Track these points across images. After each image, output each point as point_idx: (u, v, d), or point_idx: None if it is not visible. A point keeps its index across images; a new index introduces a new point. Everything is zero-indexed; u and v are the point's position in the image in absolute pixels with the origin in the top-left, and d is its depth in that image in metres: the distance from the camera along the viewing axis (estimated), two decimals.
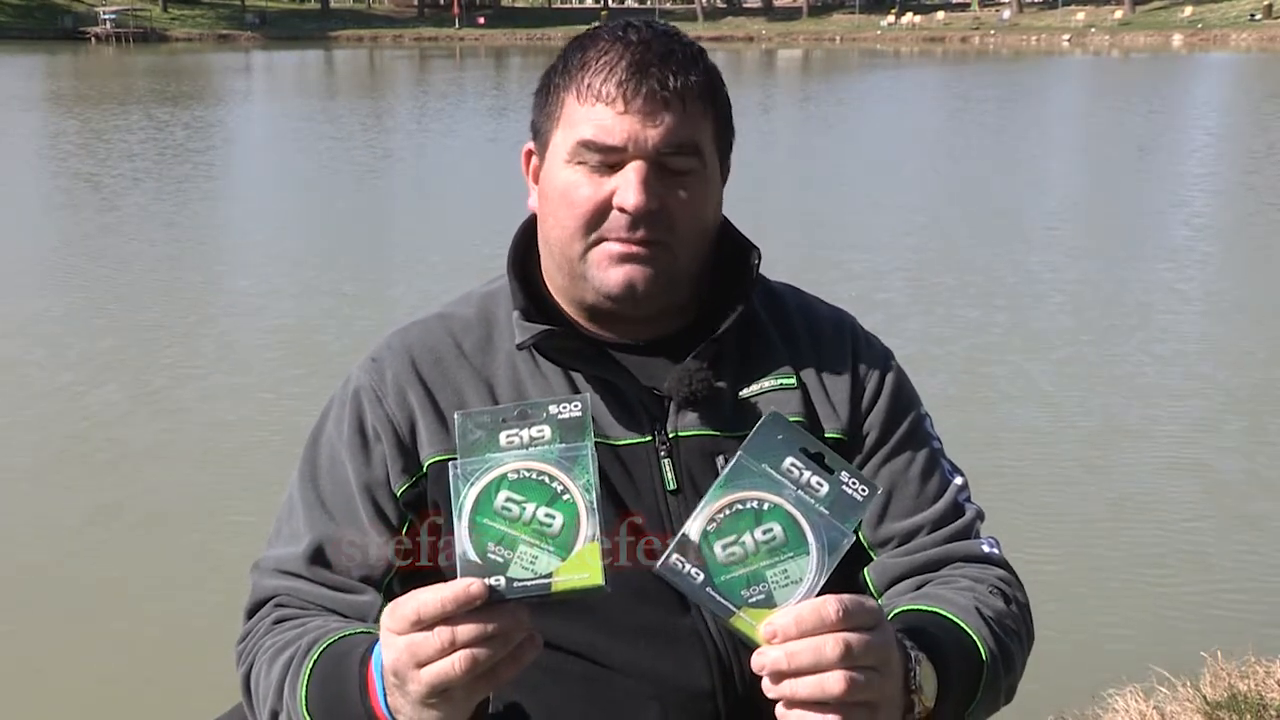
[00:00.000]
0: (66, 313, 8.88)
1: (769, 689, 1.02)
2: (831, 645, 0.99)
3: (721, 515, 1.02)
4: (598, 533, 1.00)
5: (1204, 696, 3.30)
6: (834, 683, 0.99)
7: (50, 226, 12.66)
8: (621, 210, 1.29)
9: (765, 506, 1.02)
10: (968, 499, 1.45)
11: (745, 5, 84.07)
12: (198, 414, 6.74)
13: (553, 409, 1.04)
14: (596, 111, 1.29)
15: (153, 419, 6.66)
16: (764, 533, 1.02)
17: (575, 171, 1.32)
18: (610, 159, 1.30)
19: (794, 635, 1.00)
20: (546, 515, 1.01)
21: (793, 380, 1.41)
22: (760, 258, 1.43)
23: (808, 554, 1.02)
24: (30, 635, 4.44)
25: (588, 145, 1.30)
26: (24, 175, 16.59)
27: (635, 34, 1.33)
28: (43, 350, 7.85)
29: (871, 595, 1.39)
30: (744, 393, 1.39)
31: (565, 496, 1.01)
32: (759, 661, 1.01)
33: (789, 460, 1.04)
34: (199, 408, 6.85)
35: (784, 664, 1.00)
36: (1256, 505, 5.52)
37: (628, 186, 1.29)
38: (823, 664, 0.99)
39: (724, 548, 1.01)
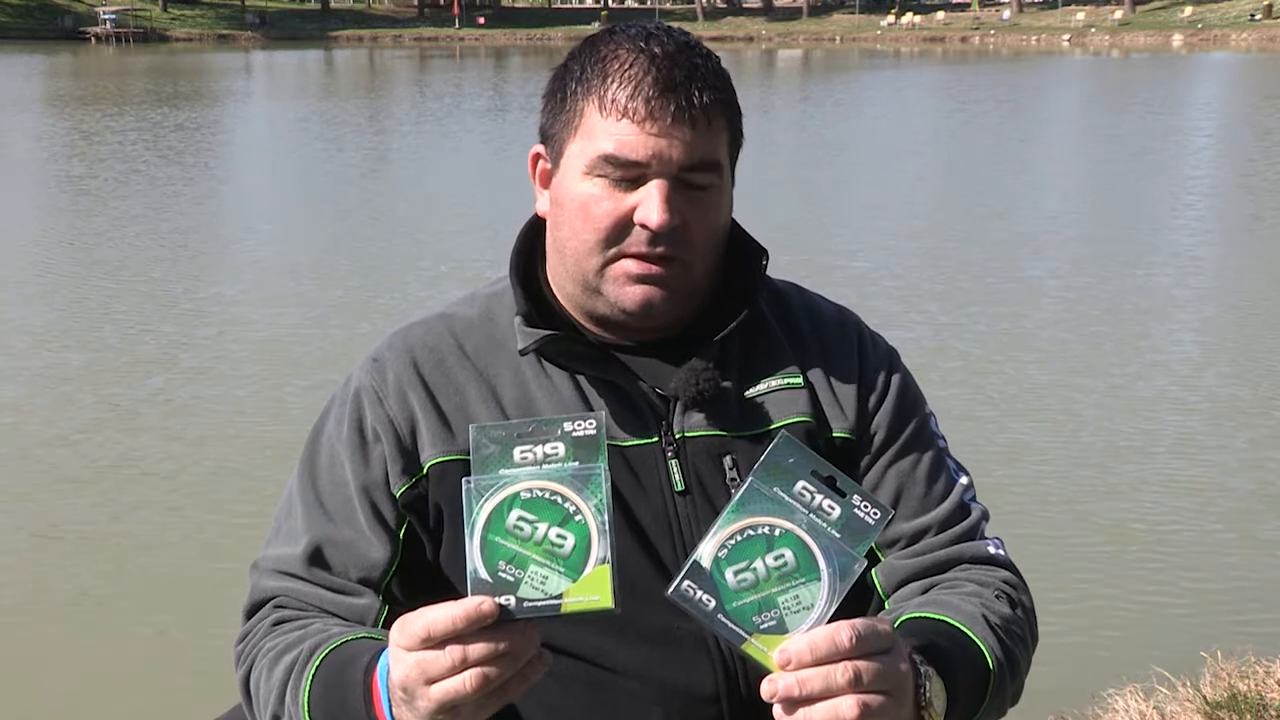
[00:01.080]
0: (44, 323, 8.77)
1: (781, 716, 1.01)
2: (842, 672, 1.00)
3: (733, 541, 1.02)
4: (609, 554, 1.01)
5: (1204, 696, 3.30)
6: (848, 708, 1.00)
7: (34, 232, 12.41)
8: (644, 227, 1.28)
9: (777, 532, 1.02)
10: (973, 499, 1.45)
11: (745, 5, 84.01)
12: (184, 420, 6.75)
13: (567, 426, 1.04)
14: (621, 127, 1.27)
15: (133, 426, 6.66)
16: (775, 558, 1.02)
17: (594, 184, 1.30)
18: (631, 174, 1.28)
19: (809, 662, 1.00)
20: (558, 536, 1.01)
21: (799, 379, 1.41)
22: (767, 258, 1.42)
23: (819, 580, 1.02)
24: (27, 638, 4.44)
25: (610, 160, 1.28)
26: (11, 179, 16.38)
27: (659, 46, 1.30)
28: (9, 362, 7.76)
29: (879, 597, 1.39)
30: (750, 392, 1.39)
31: (578, 517, 1.01)
32: (770, 689, 1.01)
33: (800, 484, 1.04)
34: (184, 416, 6.84)
35: (796, 691, 1.00)
36: (1256, 506, 5.52)
37: (651, 204, 1.28)
38: (834, 690, 1.00)
39: (735, 574, 1.01)
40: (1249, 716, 3.19)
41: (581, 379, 1.36)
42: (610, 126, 1.28)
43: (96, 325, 8.64)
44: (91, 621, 4.55)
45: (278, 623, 1.33)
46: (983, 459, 5.86)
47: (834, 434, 1.39)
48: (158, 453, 6.17)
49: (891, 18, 71.58)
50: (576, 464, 1.03)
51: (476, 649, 0.99)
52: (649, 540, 1.32)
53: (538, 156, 1.41)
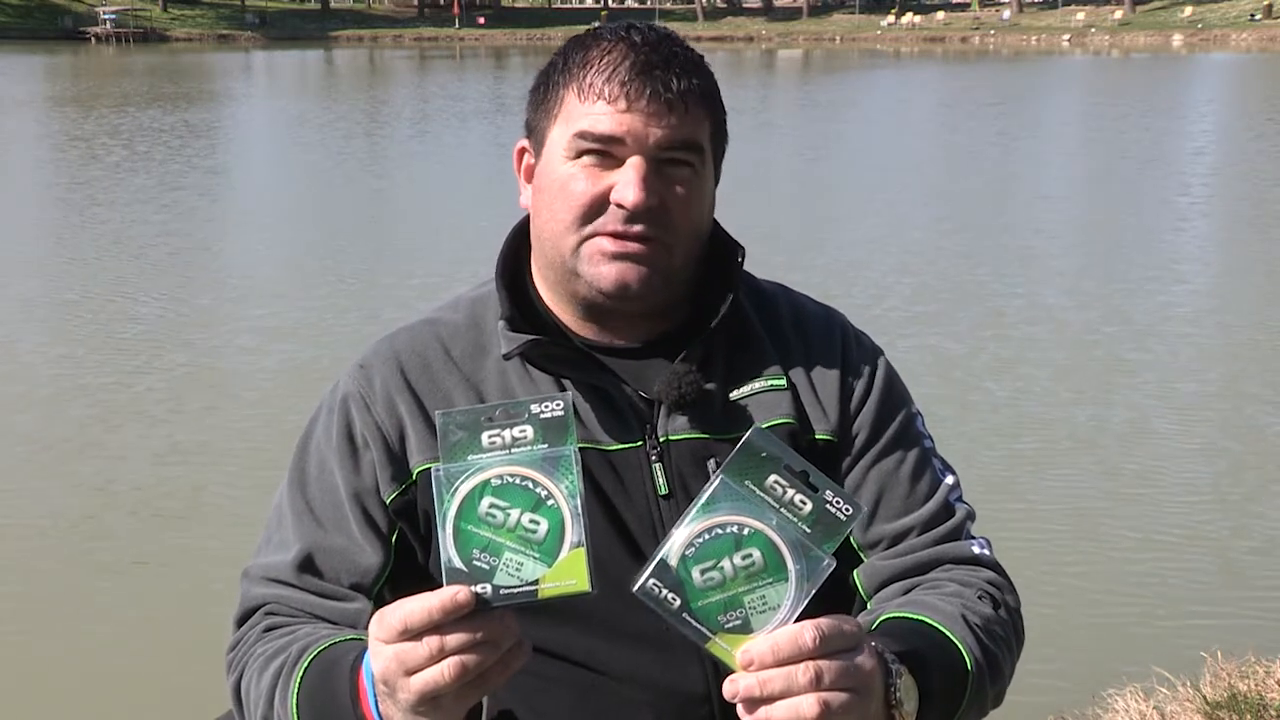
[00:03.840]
0: (44, 319, 8.72)
1: (744, 715, 1.01)
2: (803, 672, 0.99)
3: (700, 539, 1.01)
4: (583, 538, 1.00)
5: (1204, 696, 3.30)
6: (808, 707, 0.99)
7: (21, 239, 12.14)
8: (620, 205, 1.29)
9: (746, 531, 1.01)
10: (959, 499, 1.44)
11: (745, 5, 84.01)
12: (181, 424, 6.76)
13: (535, 408, 1.03)
14: (598, 108, 1.29)
15: (132, 427, 6.66)
16: (743, 558, 1.01)
17: (573, 166, 1.31)
18: (610, 150, 1.29)
19: (770, 663, 0.99)
20: (531, 521, 1.00)
21: (782, 381, 1.40)
22: (744, 255, 1.42)
23: (786, 580, 1.01)
24: (28, 640, 4.44)
25: (585, 135, 1.29)
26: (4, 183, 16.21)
27: (639, 35, 1.33)
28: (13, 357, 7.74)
29: (861, 597, 1.39)
30: (734, 394, 1.38)
31: (550, 502, 1.00)
32: (731, 689, 1.01)
33: (773, 477, 1.03)
34: (180, 421, 6.85)
35: (757, 691, 1.00)
36: (1257, 505, 5.52)
37: (627, 183, 1.28)
38: (794, 690, 0.99)
39: (702, 572, 1.01)
40: (1249, 716, 3.18)
41: (566, 383, 1.36)
42: (588, 108, 1.30)
43: (93, 323, 8.62)
44: (90, 625, 4.55)
45: (268, 629, 1.33)
46: (980, 459, 5.87)
47: (816, 435, 1.39)
48: (156, 454, 6.17)
49: (891, 18, 71.60)
50: (546, 446, 1.02)
51: (454, 639, 0.99)
52: (634, 543, 1.32)
53: (523, 151, 1.42)
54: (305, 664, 1.22)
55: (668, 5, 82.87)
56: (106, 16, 67.21)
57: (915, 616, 1.27)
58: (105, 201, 14.04)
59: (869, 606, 1.37)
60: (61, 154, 18.98)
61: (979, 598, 1.33)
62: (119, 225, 12.52)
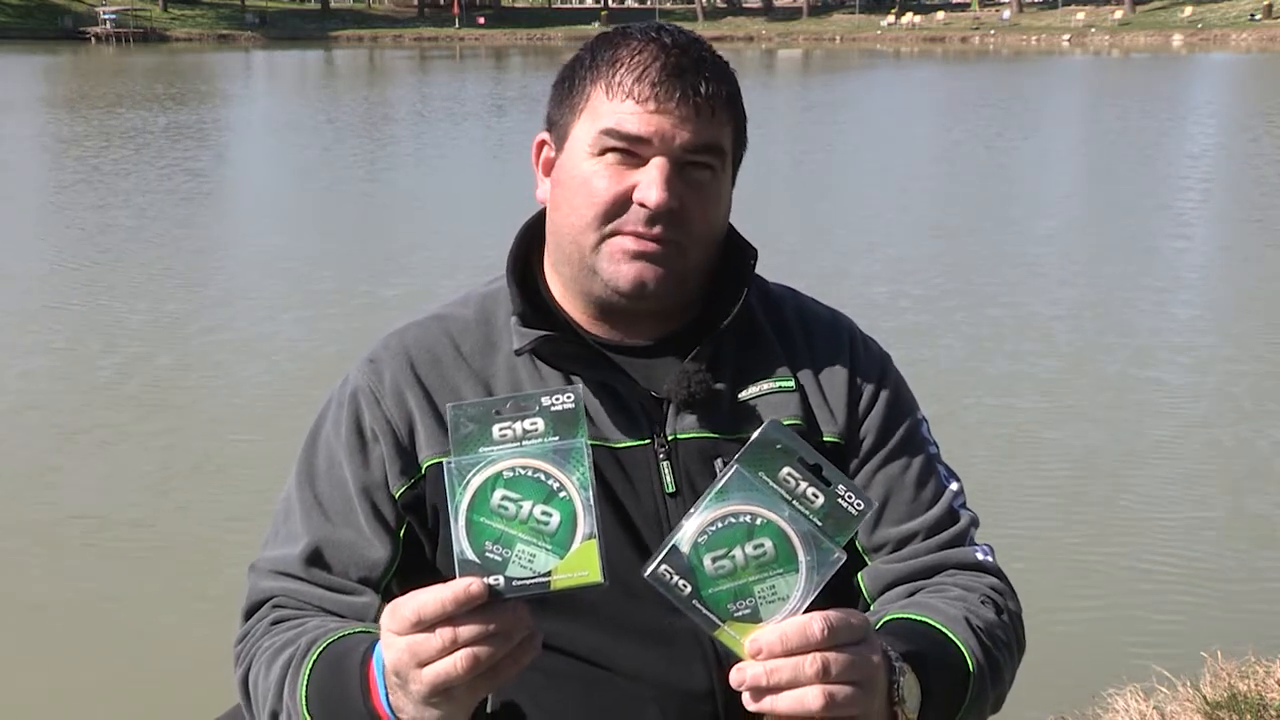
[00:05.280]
0: (39, 308, 8.71)
1: (749, 703, 1.02)
2: (810, 663, 1.00)
3: (714, 527, 1.02)
4: (595, 529, 1.01)
5: (1204, 696, 3.30)
6: (813, 698, 1.00)
7: (12, 245, 11.99)
8: (642, 205, 1.30)
9: (758, 521, 1.02)
10: (963, 505, 1.45)
11: (745, 5, 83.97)
12: (184, 424, 6.76)
13: (545, 400, 1.04)
14: (626, 106, 1.30)
15: (133, 428, 6.66)
16: (755, 547, 1.02)
17: (596, 163, 1.31)
18: (635, 150, 1.30)
19: (778, 653, 1.00)
20: (543, 513, 1.01)
21: (791, 383, 1.41)
22: (756, 258, 1.43)
23: (797, 571, 1.02)
24: (28, 638, 4.44)
25: (611, 133, 1.29)
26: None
27: (669, 37, 1.33)
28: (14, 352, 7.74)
29: (864, 600, 1.39)
30: (742, 395, 1.39)
31: (561, 494, 1.01)
32: (738, 677, 1.01)
33: (786, 469, 1.04)
34: (185, 418, 6.85)
35: (763, 680, 1.00)
36: (1257, 506, 5.52)
37: (650, 183, 1.29)
38: (801, 681, 1.00)
39: (714, 560, 1.01)
40: (1249, 716, 3.19)
41: (576, 380, 1.36)
42: (615, 106, 1.30)
43: (70, 330, 8.60)
44: (91, 622, 4.55)
45: (276, 622, 1.33)
46: (980, 458, 5.87)
47: (824, 438, 1.40)
48: (159, 454, 6.18)
49: (891, 18, 71.57)
50: (557, 439, 1.03)
51: (466, 630, 0.99)
52: (641, 540, 1.32)
53: (542, 144, 1.42)
54: (314, 656, 1.22)
55: (668, 5, 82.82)
56: (106, 16, 67.16)
57: (918, 618, 1.28)
58: (92, 205, 13.92)
59: (872, 609, 1.37)
60: (52, 155, 18.91)
61: (982, 602, 1.34)
62: (99, 230, 12.40)
